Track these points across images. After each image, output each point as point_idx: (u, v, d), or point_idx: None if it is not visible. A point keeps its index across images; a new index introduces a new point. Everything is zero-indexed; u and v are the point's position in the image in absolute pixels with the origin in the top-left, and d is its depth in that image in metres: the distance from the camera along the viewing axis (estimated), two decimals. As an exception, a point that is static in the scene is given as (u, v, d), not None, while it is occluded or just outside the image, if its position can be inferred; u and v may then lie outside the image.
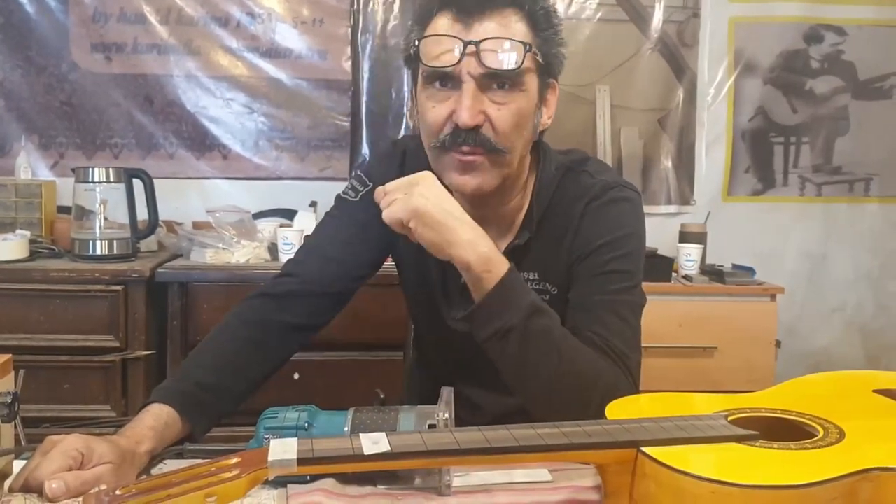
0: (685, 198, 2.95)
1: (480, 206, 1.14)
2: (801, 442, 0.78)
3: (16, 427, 0.90)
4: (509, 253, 1.16)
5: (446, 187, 1.06)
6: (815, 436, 0.80)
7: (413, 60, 1.11)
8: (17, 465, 0.92)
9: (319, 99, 2.77)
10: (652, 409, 0.91)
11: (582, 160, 1.25)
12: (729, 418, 0.84)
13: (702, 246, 2.56)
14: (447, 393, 0.93)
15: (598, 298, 1.12)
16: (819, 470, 0.70)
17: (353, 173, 1.32)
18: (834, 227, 3.04)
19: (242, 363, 1.15)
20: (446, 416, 0.89)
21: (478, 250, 1.01)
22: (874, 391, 0.95)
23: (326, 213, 1.31)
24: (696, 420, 0.83)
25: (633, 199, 1.20)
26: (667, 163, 2.93)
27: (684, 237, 2.60)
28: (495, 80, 1.06)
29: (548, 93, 1.16)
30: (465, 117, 1.05)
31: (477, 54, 1.04)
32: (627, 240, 1.17)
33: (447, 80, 1.07)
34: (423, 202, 0.99)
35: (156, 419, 1.00)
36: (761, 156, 2.98)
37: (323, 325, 1.26)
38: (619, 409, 0.90)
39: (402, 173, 1.19)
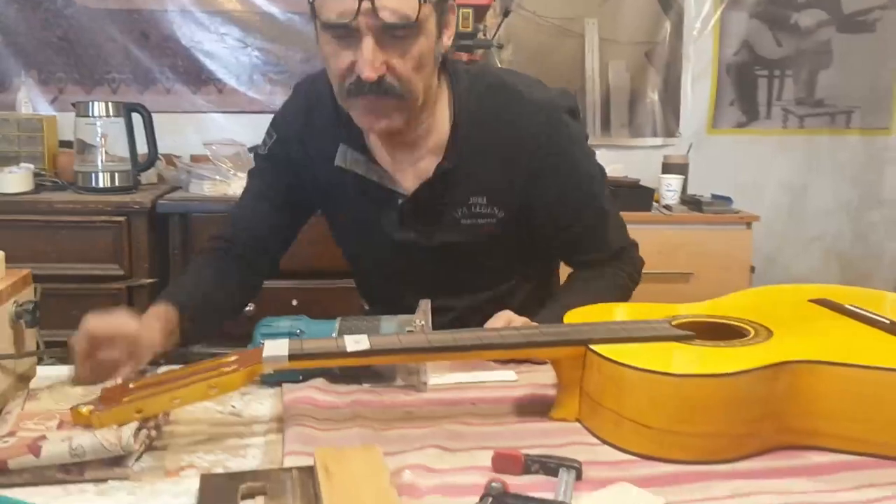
0: (670, 130, 3.02)
1: (394, 136, 1.19)
2: (732, 341, 0.89)
3: (37, 334, 1.01)
4: (440, 176, 1.19)
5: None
6: (746, 336, 0.91)
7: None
8: (40, 369, 1.02)
9: (312, 32, 2.79)
10: (607, 316, 1.01)
11: (502, 76, 1.24)
12: (672, 322, 0.94)
13: (683, 176, 2.63)
14: (424, 303, 1.04)
15: (587, 215, 1.26)
16: (742, 362, 0.81)
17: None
18: (815, 158, 3.11)
19: (216, 285, 1.23)
20: (422, 322, 0.99)
21: None
22: (809, 300, 1.05)
23: (249, 171, 1.37)
24: (642, 324, 0.94)
25: (576, 109, 1.27)
26: (653, 96, 2.99)
27: (667, 168, 2.68)
28: (394, 30, 1.04)
29: (447, 17, 1.14)
30: (367, 73, 1.05)
31: (373, 9, 1.01)
32: (586, 160, 1.27)
33: (345, 30, 1.05)
34: None
35: (154, 309, 1.09)
36: (746, 89, 3.04)
37: (279, 259, 1.36)
38: (578, 315, 1.00)
39: (308, 120, 1.27)
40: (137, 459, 0.77)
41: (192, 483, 0.73)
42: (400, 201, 1.22)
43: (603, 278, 1.28)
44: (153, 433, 0.81)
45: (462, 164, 1.19)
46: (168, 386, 0.81)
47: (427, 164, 1.20)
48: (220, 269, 1.26)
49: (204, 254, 1.30)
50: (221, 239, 1.30)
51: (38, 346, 1.02)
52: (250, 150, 2.45)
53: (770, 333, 0.90)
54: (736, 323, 0.95)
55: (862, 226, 3.19)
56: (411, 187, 1.21)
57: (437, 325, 0.99)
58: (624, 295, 1.29)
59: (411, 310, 1.05)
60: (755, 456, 0.81)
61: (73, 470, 0.73)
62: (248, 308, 2.15)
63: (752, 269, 2.48)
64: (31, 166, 2.38)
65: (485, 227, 1.22)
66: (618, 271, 1.29)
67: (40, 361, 1.04)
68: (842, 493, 0.74)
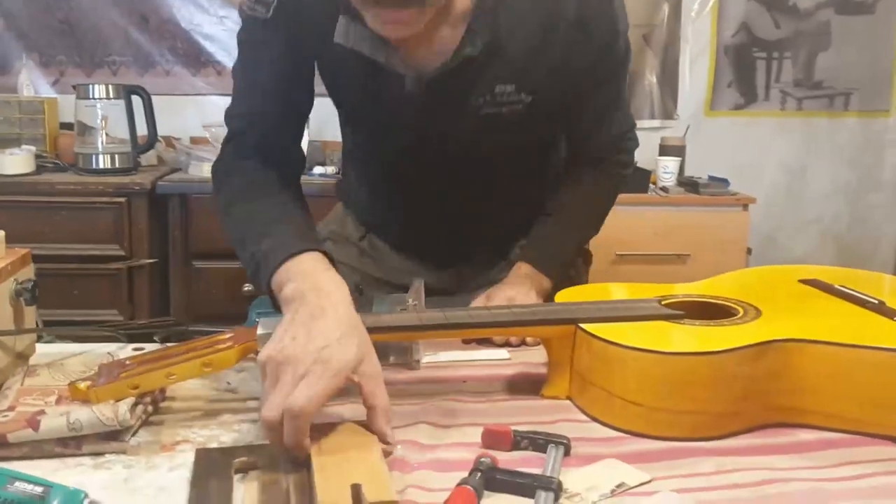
0: (668, 112, 3.02)
1: None
2: (720, 320, 0.90)
3: (36, 312, 1.02)
4: (461, 63, 1.03)
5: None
6: (735, 315, 0.92)
7: None
8: (39, 346, 1.04)
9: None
10: (599, 296, 1.02)
11: None
12: (662, 302, 0.96)
13: (679, 159, 2.64)
14: (418, 283, 1.05)
15: (604, 94, 1.19)
16: (729, 341, 0.82)
17: None
18: (813, 140, 3.12)
19: (298, 209, 1.07)
20: (415, 303, 1.01)
21: None
22: (799, 281, 1.06)
23: (243, 42, 1.12)
24: (631, 303, 0.95)
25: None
26: (651, 78, 2.99)
27: (664, 150, 2.68)
28: None
29: None
30: None
31: None
32: (619, 38, 1.14)
33: None
34: None
35: (326, 276, 0.86)
36: (744, 71, 3.04)
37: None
38: (570, 295, 1.01)
39: None
40: (134, 434, 0.79)
41: (187, 457, 0.74)
42: (411, 88, 1.05)
43: (595, 184, 1.28)
44: (149, 408, 0.82)
45: (487, 48, 1.02)
46: (164, 363, 0.83)
47: (444, 37, 1.01)
48: (280, 191, 1.06)
49: (237, 174, 1.09)
50: (239, 142, 1.12)
51: (36, 325, 1.04)
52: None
53: (759, 313, 0.91)
54: (725, 303, 0.96)
55: (860, 208, 3.20)
56: (427, 66, 1.03)
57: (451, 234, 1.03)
58: (614, 194, 1.31)
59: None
60: (742, 433, 0.82)
61: (70, 444, 0.74)
62: (246, 288, 2.18)
63: (749, 251, 2.49)
64: (33, 148, 2.41)
65: (507, 114, 1.08)
66: (610, 171, 1.29)
67: (39, 339, 1.06)
68: (825, 469, 0.75)
